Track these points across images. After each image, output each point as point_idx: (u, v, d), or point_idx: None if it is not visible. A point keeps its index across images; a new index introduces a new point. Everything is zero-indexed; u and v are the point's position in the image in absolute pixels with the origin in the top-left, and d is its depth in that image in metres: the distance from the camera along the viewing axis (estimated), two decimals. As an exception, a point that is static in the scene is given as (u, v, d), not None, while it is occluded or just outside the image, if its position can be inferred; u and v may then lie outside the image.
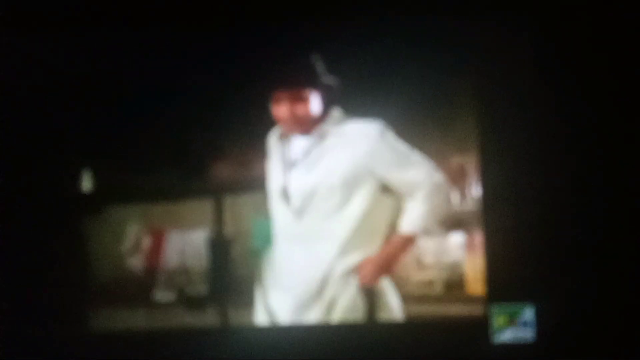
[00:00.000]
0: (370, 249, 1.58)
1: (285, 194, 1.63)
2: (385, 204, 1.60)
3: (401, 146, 1.61)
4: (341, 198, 1.60)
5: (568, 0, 1.50)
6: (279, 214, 1.63)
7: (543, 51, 1.51)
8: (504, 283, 1.47)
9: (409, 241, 1.58)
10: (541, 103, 1.50)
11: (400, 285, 1.58)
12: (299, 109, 1.62)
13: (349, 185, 1.61)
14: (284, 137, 1.66)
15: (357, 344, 1.48)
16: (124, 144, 1.63)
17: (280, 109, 1.62)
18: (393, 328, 1.51)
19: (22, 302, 1.51)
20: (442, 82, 1.60)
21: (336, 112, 1.64)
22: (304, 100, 1.62)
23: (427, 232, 1.57)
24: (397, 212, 1.59)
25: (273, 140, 1.67)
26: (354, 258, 1.58)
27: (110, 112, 1.61)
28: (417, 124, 1.61)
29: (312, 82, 1.61)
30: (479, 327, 1.48)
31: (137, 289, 1.63)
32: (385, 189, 1.60)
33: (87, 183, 1.63)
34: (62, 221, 1.55)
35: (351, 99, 1.62)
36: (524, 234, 1.46)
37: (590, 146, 1.49)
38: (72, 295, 1.53)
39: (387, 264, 1.57)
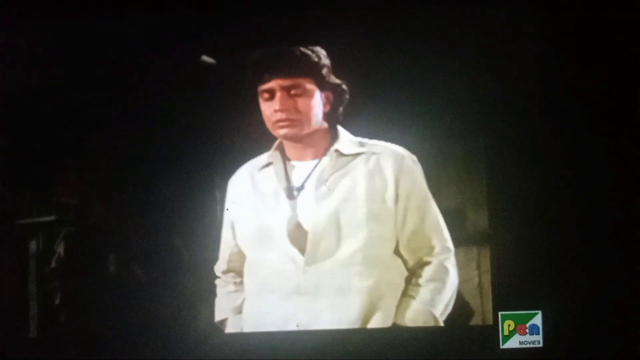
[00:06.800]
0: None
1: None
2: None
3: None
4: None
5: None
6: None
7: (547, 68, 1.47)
8: (511, 290, 1.48)
9: None
10: (543, 111, 1.48)
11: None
12: (301, 103, 1.37)
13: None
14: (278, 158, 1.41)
15: (377, 347, 1.44)
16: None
17: (275, 103, 1.37)
18: (402, 333, 1.47)
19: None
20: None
21: (346, 133, 1.43)
22: (306, 93, 1.38)
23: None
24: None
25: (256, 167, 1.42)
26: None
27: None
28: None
29: (316, 73, 1.38)
30: (488, 333, 1.48)
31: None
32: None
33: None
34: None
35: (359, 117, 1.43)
36: (529, 241, 1.47)
37: (592, 157, 1.48)
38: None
39: None
